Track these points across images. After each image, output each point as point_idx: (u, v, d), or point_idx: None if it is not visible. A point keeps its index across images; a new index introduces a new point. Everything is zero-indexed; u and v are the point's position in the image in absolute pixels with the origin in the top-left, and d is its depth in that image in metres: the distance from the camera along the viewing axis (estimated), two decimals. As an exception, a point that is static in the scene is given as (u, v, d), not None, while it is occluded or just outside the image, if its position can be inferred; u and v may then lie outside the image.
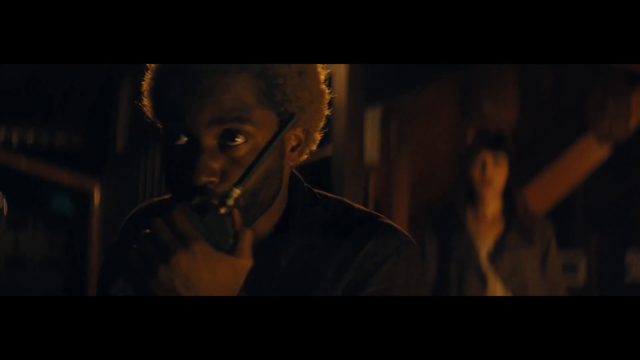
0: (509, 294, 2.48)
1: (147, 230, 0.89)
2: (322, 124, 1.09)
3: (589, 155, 4.37)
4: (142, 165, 4.15)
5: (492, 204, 2.57)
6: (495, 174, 2.51)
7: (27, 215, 5.38)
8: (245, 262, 0.92)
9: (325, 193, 1.15)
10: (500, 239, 2.53)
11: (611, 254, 5.99)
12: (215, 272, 0.89)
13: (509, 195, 2.55)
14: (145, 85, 1.05)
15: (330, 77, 3.21)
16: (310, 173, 3.23)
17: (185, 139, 0.99)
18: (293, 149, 1.07)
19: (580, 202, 5.83)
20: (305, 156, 1.11)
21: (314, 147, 1.10)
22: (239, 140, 0.98)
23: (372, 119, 3.67)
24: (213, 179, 0.97)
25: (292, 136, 1.07)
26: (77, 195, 4.95)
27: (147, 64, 1.06)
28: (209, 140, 0.98)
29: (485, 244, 2.54)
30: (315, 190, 1.15)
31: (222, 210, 0.92)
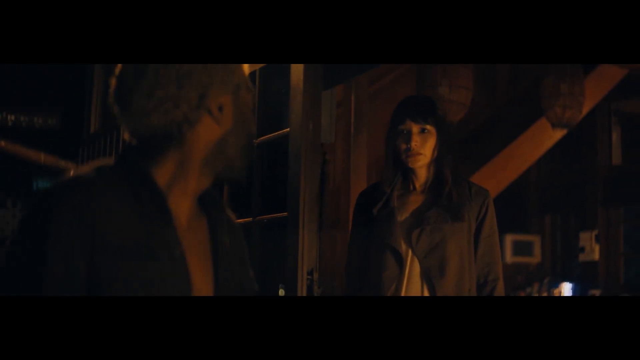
0: (424, 275, 2.30)
1: None
2: None
3: (542, 139, 4.46)
4: (113, 146, 4.25)
5: (421, 177, 2.40)
6: (422, 143, 2.34)
7: (6, 197, 5.49)
8: None
9: None
10: (420, 213, 2.36)
11: (564, 236, 6.10)
12: None
13: (437, 166, 2.37)
14: None
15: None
16: (267, 151, 3.34)
17: None
18: None
19: (534, 186, 5.91)
20: None
21: None
22: None
23: (330, 99, 3.74)
24: None
25: None
26: (54, 176, 5.04)
27: None
28: None
29: (404, 218, 2.37)
30: None
31: None
